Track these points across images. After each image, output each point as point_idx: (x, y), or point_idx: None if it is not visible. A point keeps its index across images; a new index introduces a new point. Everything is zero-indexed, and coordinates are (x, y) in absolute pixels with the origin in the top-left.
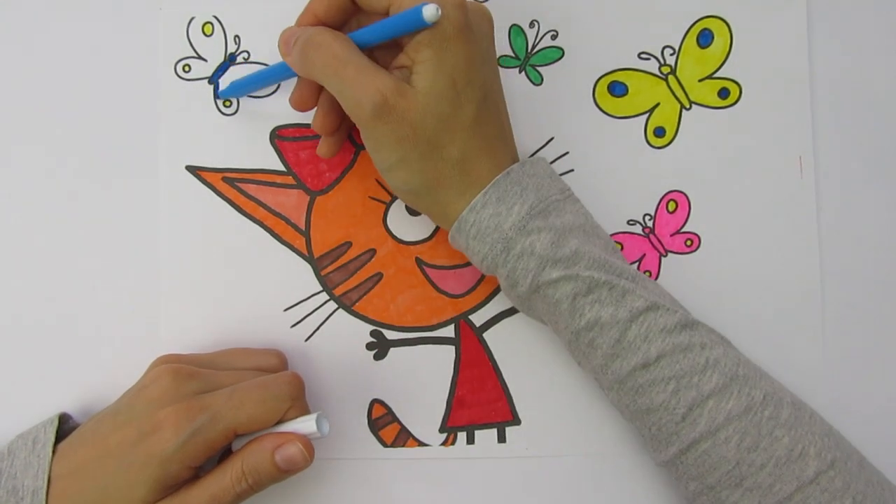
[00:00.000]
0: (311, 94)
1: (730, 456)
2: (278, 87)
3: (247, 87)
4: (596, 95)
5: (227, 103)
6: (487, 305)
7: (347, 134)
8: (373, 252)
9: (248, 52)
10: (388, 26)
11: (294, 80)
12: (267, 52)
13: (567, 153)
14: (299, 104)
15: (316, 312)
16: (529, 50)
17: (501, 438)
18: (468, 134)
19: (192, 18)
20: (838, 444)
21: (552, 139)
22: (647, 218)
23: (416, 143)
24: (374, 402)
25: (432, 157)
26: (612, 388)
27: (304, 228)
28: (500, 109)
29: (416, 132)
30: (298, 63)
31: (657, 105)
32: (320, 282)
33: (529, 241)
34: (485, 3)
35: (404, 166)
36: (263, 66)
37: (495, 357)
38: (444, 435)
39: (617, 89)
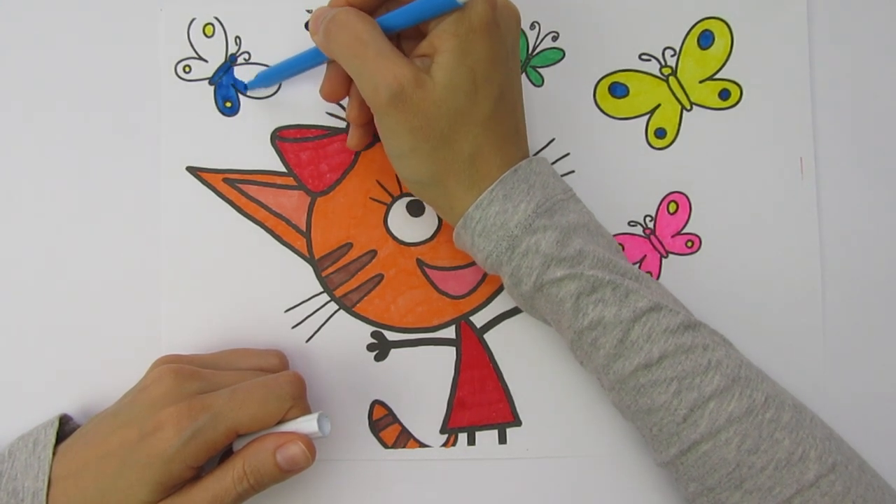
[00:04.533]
0: (341, 83)
1: (730, 458)
2: (279, 87)
3: (275, 77)
4: (597, 96)
5: (229, 104)
6: (488, 307)
7: None
8: (374, 253)
9: (248, 52)
10: (418, 8)
11: (307, 71)
12: (268, 52)
13: (568, 154)
14: (330, 94)
15: (317, 313)
16: (530, 51)
17: (502, 439)
18: (482, 130)
19: (193, 19)
20: (839, 448)
21: (553, 140)
22: (648, 219)
23: (428, 135)
24: (375, 403)
25: (443, 150)
26: (614, 388)
27: (304, 229)
28: (517, 108)
29: (429, 124)
30: (323, 42)
31: (658, 106)
32: (321, 283)
33: (535, 240)
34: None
35: (415, 156)
36: (267, 59)
37: (496, 358)
38: (445, 436)
39: (618, 90)
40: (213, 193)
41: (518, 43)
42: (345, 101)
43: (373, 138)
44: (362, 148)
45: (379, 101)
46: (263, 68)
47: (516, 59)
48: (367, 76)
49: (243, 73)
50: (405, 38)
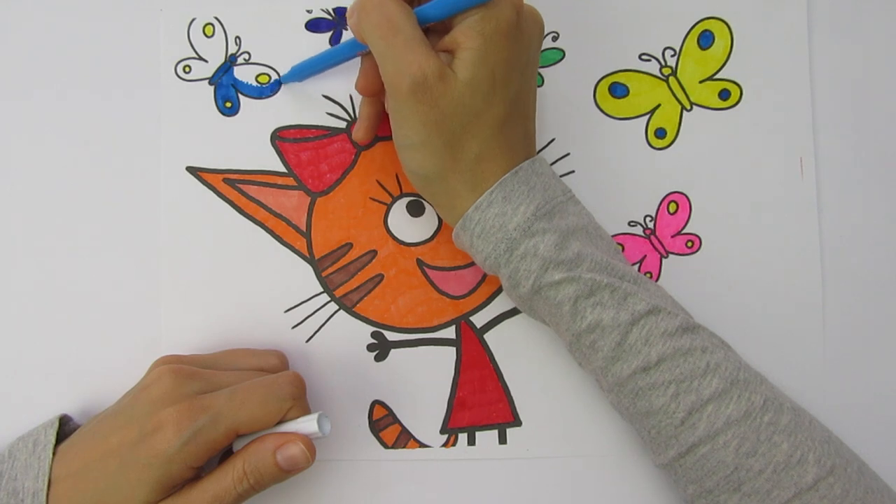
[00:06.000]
0: (376, 76)
1: (728, 460)
2: (279, 88)
3: (309, 70)
4: (597, 97)
5: (229, 104)
6: (488, 307)
7: None
8: (374, 253)
9: (248, 52)
10: (451, 0)
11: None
12: (268, 52)
13: (568, 154)
14: (365, 88)
15: (317, 314)
16: None
17: (502, 440)
18: (493, 132)
19: (193, 20)
20: (838, 451)
21: (553, 140)
22: (648, 219)
23: (440, 131)
24: (375, 403)
25: (452, 148)
26: (612, 391)
27: (304, 230)
28: (529, 115)
29: (444, 119)
30: (355, 23)
31: (658, 106)
32: (321, 283)
33: (533, 243)
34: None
35: (423, 149)
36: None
37: (496, 358)
38: (445, 436)
39: (618, 90)
40: (213, 193)
41: (539, 52)
42: (346, 102)
43: (377, 134)
44: (368, 141)
45: (399, 89)
46: (262, 66)
47: (534, 66)
48: (392, 61)
49: (243, 73)
50: (431, 34)
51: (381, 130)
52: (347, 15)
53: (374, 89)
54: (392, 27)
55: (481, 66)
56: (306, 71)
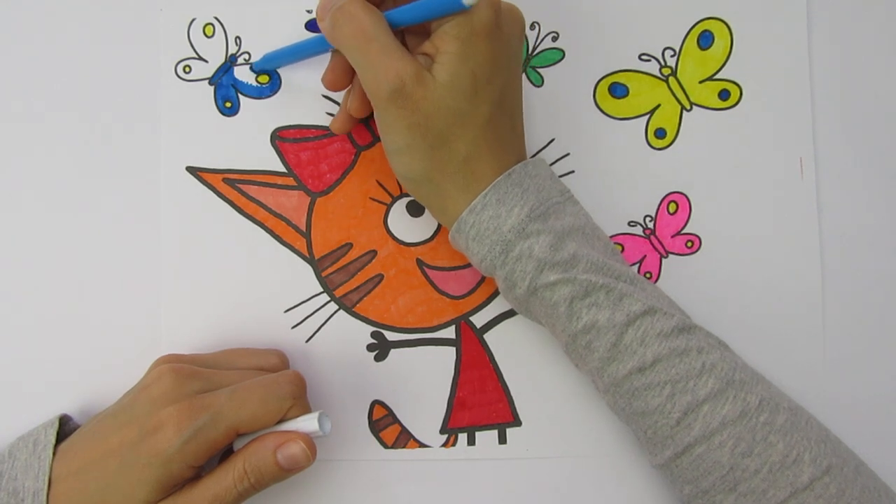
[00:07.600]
0: (344, 73)
1: (724, 461)
2: (279, 88)
3: (280, 60)
4: (597, 97)
5: (229, 104)
6: (488, 307)
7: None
8: (374, 253)
9: (248, 53)
10: (424, 7)
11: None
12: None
13: (568, 154)
14: (332, 84)
15: (317, 314)
16: (530, 52)
17: (502, 440)
18: (479, 132)
19: (193, 19)
20: (835, 451)
21: (553, 140)
22: (648, 219)
23: (425, 133)
24: (375, 403)
25: (439, 149)
26: (608, 392)
27: (304, 230)
28: (515, 112)
29: (428, 122)
30: (328, 30)
31: (658, 106)
32: (321, 283)
33: (528, 244)
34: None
35: (410, 153)
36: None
37: (496, 358)
38: (445, 436)
39: (618, 91)
40: (213, 193)
41: (521, 48)
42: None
43: (357, 124)
44: (345, 132)
45: (379, 95)
46: (275, 49)
47: (518, 63)
48: (369, 69)
49: (243, 74)
50: (410, 34)
51: None
52: (318, 17)
53: (340, 85)
54: (365, 36)
55: (460, 68)
56: (279, 60)
